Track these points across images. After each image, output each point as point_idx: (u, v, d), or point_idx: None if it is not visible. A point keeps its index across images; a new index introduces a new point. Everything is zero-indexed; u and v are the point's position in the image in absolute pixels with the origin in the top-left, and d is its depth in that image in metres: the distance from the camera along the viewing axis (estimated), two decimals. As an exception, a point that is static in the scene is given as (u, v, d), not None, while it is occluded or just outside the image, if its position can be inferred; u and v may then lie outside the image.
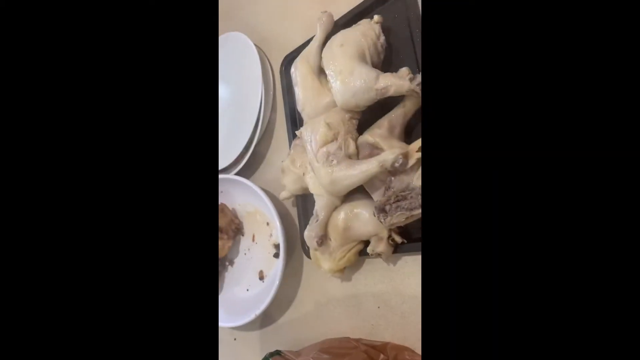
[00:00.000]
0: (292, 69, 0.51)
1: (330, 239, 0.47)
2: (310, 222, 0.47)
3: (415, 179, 0.39)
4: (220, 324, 0.59)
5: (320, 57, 0.47)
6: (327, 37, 0.48)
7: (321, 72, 0.49)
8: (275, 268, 0.57)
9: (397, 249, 0.44)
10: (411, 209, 0.38)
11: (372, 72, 0.41)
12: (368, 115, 0.46)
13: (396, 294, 0.46)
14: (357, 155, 0.44)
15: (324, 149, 0.43)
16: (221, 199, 0.63)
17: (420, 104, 0.42)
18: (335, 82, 0.43)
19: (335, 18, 0.50)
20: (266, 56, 0.63)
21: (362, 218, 0.44)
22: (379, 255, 0.44)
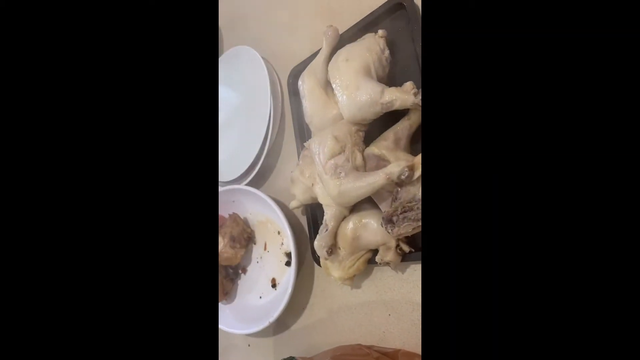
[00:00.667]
0: (300, 82, 0.52)
1: (339, 248, 0.48)
2: (319, 231, 0.48)
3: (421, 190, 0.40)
4: (234, 330, 0.61)
5: (327, 71, 0.48)
6: (333, 51, 0.49)
7: (328, 84, 0.50)
8: (287, 276, 0.58)
9: (405, 258, 0.45)
10: (417, 220, 0.39)
11: (378, 87, 0.42)
12: (374, 127, 0.47)
13: (406, 301, 0.47)
14: (364, 167, 0.45)
15: (332, 161, 0.45)
16: (233, 209, 0.65)
17: (424, 116, 0.43)
18: (342, 97, 0.44)
19: (341, 32, 0.51)
20: (274, 69, 0.65)
21: (371, 228, 0.45)
22: (387, 264, 0.45)
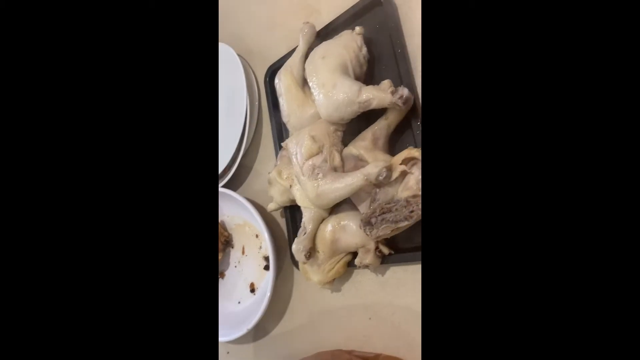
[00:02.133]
0: (276, 80, 0.51)
1: (318, 252, 0.46)
2: (298, 234, 0.47)
3: (400, 191, 0.39)
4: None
5: (304, 68, 0.47)
6: (310, 48, 0.48)
7: (305, 83, 0.49)
8: (266, 280, 0.57)
9: (385, 260, 0.44)
10: (396, 222, 0.38)
11: (355, 85, 0.41)
12: (353, 126, 0.46)
13: (386, 304, 0.46)
14: (342, 168, 0.44)
15: (310, 162, 0.43)
16: (210, 212, 0.63)
17: (402, 116, 0.43)
18: (319, 96, 0.43)
19: (318, 29, 0.50)
20: (250, 67, 0.63)
21: (349, 230, 0.44)
22: (366, 266, 0.44)
